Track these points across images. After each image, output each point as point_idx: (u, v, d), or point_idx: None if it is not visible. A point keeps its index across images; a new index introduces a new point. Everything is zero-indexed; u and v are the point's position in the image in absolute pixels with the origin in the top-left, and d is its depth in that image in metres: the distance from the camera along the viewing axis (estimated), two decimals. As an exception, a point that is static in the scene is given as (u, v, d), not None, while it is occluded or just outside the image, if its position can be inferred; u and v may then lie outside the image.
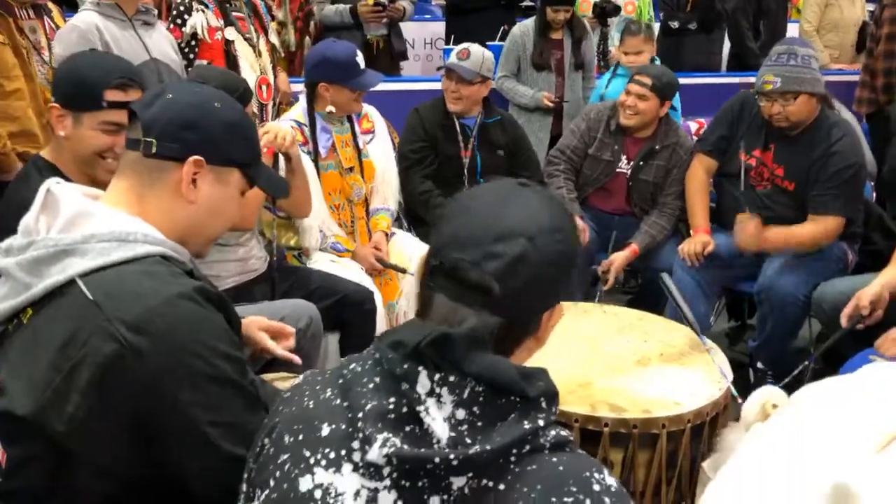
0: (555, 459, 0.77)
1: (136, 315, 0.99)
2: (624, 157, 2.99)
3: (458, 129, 2.99)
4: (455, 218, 0.85)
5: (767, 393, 0.93)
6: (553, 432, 0.79)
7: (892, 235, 2.56)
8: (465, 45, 2.95)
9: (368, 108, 2.78)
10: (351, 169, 2.66)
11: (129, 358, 0.98)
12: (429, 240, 0.87)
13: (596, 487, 0.77)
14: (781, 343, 2.70)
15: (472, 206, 0.85)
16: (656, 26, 4.39)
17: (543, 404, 0.80)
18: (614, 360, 1.91)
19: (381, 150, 2.79)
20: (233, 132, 1.16)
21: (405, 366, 0.78)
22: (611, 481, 0.78)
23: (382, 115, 2.90)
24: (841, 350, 2.25)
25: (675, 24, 4.46)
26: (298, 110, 2.62)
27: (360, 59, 2.53)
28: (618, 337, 2.05)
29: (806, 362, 2.47)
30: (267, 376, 1.72)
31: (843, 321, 2.23)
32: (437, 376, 0.78)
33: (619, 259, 2.86)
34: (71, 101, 1.62)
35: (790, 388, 2.75)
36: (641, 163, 2.96)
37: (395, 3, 3.87)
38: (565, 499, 0.75)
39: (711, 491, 0.76)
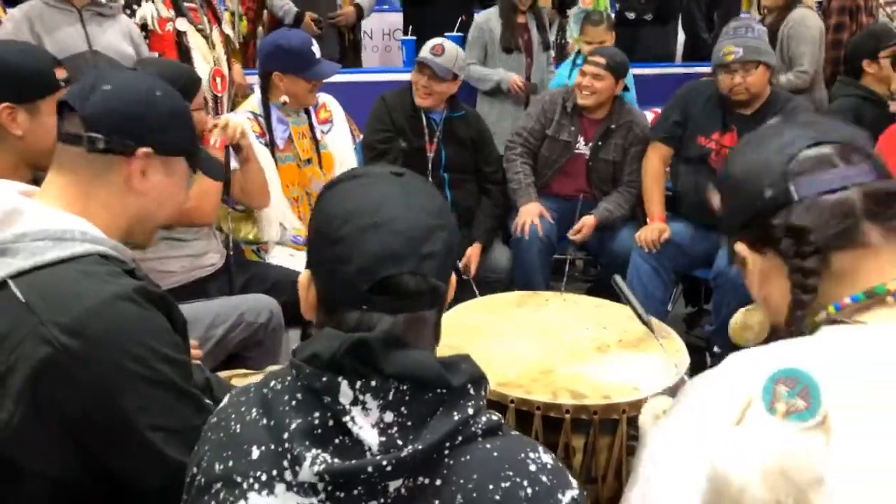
0: (488, 446, 0.77)
1: (72, 317, 0.95)
2: (581, 138, 3.03)
3: (424, 122, 2.97)
4: (367, 234, 0.80)
5: (656, 403, 0.96)
6: (484, 418, 0.79)
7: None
8: (438, 40, 2.90)
9: (326, 98, 2.74)
10: (309, 161, 2.63)
11: (63, 362, 0.94)
12: (339, 267, 0.81)
13: (532, 468, 0.77)
14: (737, 327, 2.76)
15: (379, 217, 0.81)
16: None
17: (471, 391, 0.79)
18: (575, 347, 1.93)
19: (340, 140, 2.75)
20: (177, 120, 1.14)
21: (324, 378, 0.77)
22: (546, 459, 0.79)
23: (341, 106, 2.87)
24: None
25: (630, 15, 4.51)
26: (254, 101, 2.58)
27: (316, 48, 2.50)
28: (578, 324, 2.07)
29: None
30: (225, 373, 1.70)
31: None
32: (358, 384, 0.76)
33: (590, 220, 2.92)
34: (21, 92, 1.53)
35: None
36: (600, 143, 3.00)
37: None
38: (503, 484, 0.75)
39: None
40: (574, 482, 0.79)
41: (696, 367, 1.96)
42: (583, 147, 3.04)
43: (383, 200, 0.83)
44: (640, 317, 1.98)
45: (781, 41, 3.58)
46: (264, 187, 2.34)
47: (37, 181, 1.56)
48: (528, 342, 1.95)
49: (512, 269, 2.98)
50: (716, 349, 2.86)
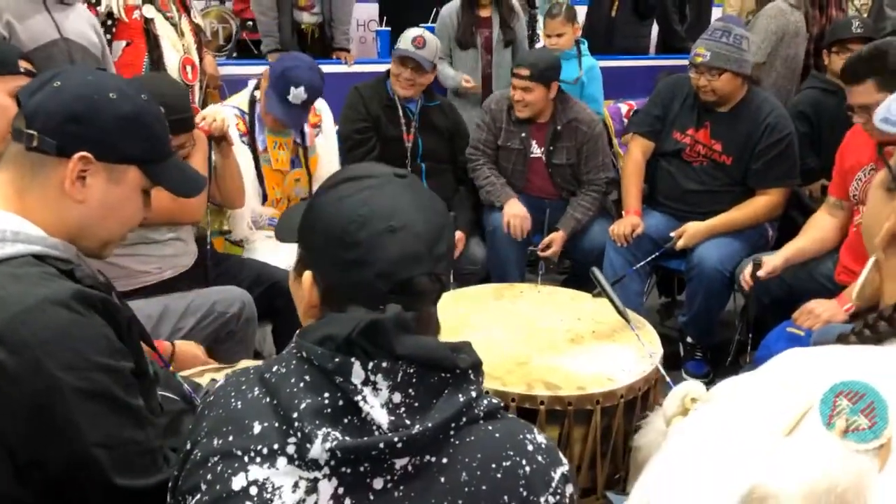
0: (490, 427, 0.82)
1: None
2: (534, 142, 3.01)
3: (400, 111, 2.95)
4: (386, 238, 0.83)
5: (686, 387, 0.95)
6: (485, 402, 0.83)
7: (810, 212, 2.67)
8: (417, 31, 2.88)
9: (317, 102, 2.70)
10: (287, 170, 2.60)
11: None
12: (356, 270, 0.83)
13: (529, 447, 0.82)
14: (709, 318, 2.80)
15: (396, 221, 0.83)
16: (584, 9, 4.43)
17: (472, 375, 0.83)
18: (549, 338, 1.94)
19: (328, 145, 2.75)
20: (128, 126, 1.06)
21: (336, 359, 0.79)
22: (541, 439, 0.84)
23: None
24: (765, 322, 2.35)
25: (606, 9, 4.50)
26: (244, 98, 2.53)
27: (304, 96, 2.41)
28: (552, 316, 2.08)
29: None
30: (197, 369, 1.67)
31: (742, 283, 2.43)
32: (370, 364, 0.79)
33: (558, 237, 2.92)
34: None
35: (717, 363, 2.87)
36: (552, 148, 2.98)
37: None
38: (504, 463, 0.80)
39: (635, 495, 0.79)
40: (564, 459, 0.85)
41: (669, 358, 2.00)
42: (538, 151, 3.01)
43: (396, 204, 0.85)
44: (616, 307, 1.99)
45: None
46: (240, 189, 2.30)
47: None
48: (503, 333, 1.96)
49: (487, 261, 2.97)
50: (688, 339, 2.90)
